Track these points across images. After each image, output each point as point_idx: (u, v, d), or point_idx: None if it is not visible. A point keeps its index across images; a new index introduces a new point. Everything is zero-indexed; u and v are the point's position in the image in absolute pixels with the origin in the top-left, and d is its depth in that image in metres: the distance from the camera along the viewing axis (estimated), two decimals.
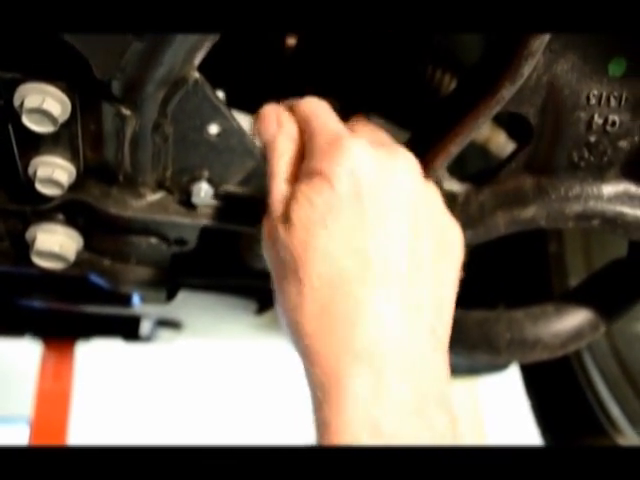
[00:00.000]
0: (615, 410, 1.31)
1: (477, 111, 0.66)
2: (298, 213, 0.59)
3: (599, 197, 0.73)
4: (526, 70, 0.61)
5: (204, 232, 0.79)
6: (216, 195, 0.74)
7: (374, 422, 0.52)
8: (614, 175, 0.73)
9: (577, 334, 0.88)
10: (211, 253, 0.87)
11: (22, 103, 0.60)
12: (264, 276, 0.94)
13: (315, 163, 0.61)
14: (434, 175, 0.71)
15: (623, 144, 0.70)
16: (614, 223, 0.74)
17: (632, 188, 0.73)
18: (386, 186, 0.59)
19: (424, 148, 0.72)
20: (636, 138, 0.69)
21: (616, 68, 0.65)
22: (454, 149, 0.69)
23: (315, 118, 0.66)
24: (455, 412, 0.56)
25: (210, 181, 0.72)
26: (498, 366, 1.51)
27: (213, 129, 0.68)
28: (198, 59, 0.62)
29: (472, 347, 0.90)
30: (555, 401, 1.50)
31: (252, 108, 0.75)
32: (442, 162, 0.71)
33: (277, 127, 0.67)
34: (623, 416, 1.30)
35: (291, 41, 0.87)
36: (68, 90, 0.61)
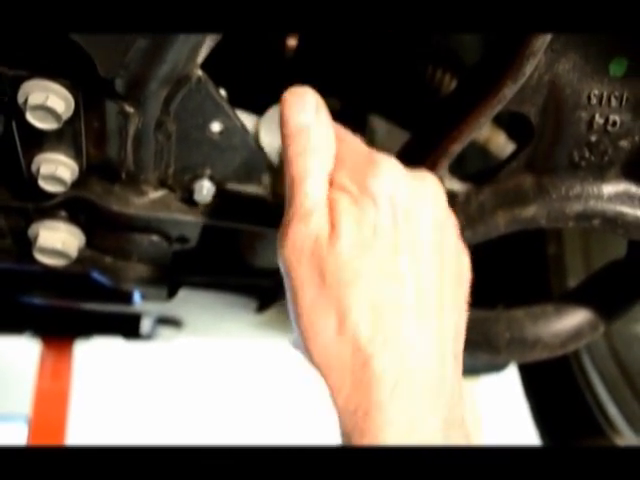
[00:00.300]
0: (613, 411, 1.31)
1: (479, 110, 0.66)
2: (345, 229, 0.57)
3: (599, 197, 0.73)
4: (528, 69, 0.62)
5: (205, 230, 0.79)
6: (218, 193, 0.74)
7: None
8: (615, 175, 0.73)
9: (577, 334, 0.89)
10: (212, 251, 0.87)
11: (26, 100, 0.60)
12: (264, 274, 0.94)
13: (354, 178, 0.59)
14: (435, 175, 0.72)
15: (624, 144, 0.70)
16: (614, 223, 0.74)
17: (632, 188, 0.73)
18: (418, 211, 0.59)
19: (425, 148, 0.72)
20: (637, 138, 0.70)
21: (617, 68, 0.65)
22: (455, 148, 0.70)
23: (340, 129, 0.65)
24: (469, 431, 0.58)
25: (212, 179, 0.72)
26: (496, 366, 1.51)
27: (215, 127, 0.68)
28: (201, 57, 0.62)
29: (472, 346, 0.90)
30: (554, 402, 1.50)
31: (254, 107, 0.76)
32: (443, 161, 0.71)
33: (314, 116, 0.61)
34: (621, 417, 1.31)
35: (292, 41, 0.87)
36: (72, 87, 0.61)
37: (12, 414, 2.30)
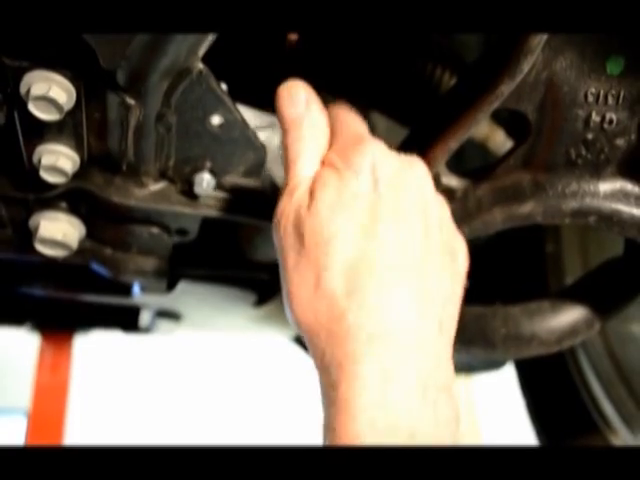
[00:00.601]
0: (609, 409, 1.32)
1: (476, 106, 0.66)
2: (323, 195, 0.60)
3: (595, 194, 0.74)
4: (525, 66, 0.62)
5: (205, 223, 0.80)
6: (218, 186, 0.74)
7: (384, 405, 0.54)
8: (611, 173, 0.73)
9: (572, 330, 0.89)
10: (212, 244, 0.88)
11: (28, 91, 0.60)
12: (263, 268, 0.95)
13: (341, 155, 0.63)
14: (433, 170, 0.72)
15: (620, 142, 0.71)
16: (610, 220, 0.74)
17: (628, 186, 0.74)
18: (402, 185, 0.62)
19: (423, 143, 0.72)
20: (633, 136, 0.70)
21: (614, 66, 0.65)
22: (453, 144, 0.70)
23: (342, 114, 0.69)
24: (456, 396, 0.59)
25: (212, 172, 0.73)
26: (494, 364, 1.52)
27: (215, 120, 0.68)
28: (202, 50, 0.62)
29: (468, 342, 0.90)
30: (550, 400, 1.51)
31: (254, 102, 0.76)
32: (441, 157, 0.72)
33: (305, 108, 0.66)
34: (617, 415, 1.31)
35: (293, 36, 0.88)
36: (74, 79, 0.61)
37: (11, 408, 2.30)
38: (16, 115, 0.64)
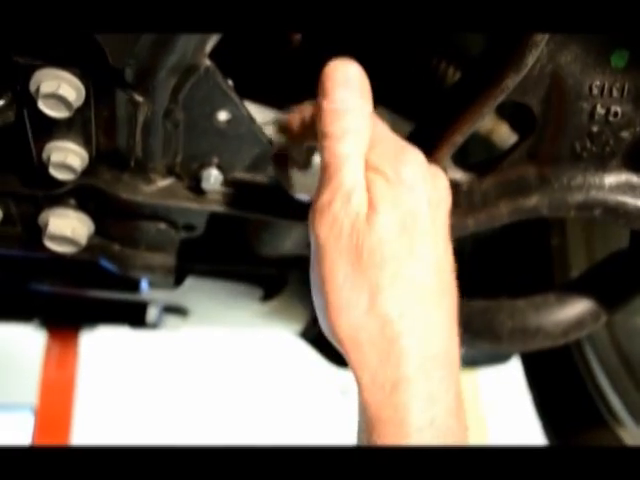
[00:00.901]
0: (616, 402, 1.32)
1: (482, 100, 0.67)
2: (383, 211, 0.59)
3: (601, 187, 0.74)
4: (530, 60, 0.62)
5: (212, 218, 0.80)
6: (225, 182, 0.75)
7: (433, 426, 0.57)
8: (616, 165, 0.74)
9: (578, 323, 0.89)
10: (219, 239, 0.88)
11: (38, 88, 0.60)
12: (270, 264, 0.95)
13: (387, 162, 0.61)
14: (439, 164, 0.73)
15: (625, 134, 0.71)
16: (615, 213, 0.75)
17: (634, 178, 0.74)
18: (436, 202, 0.63)
19: (429, 138, 0.73)
20: (638, 129, 0.70)
21: (618, 59, 0.66)
22: (459, 138, 0.71)
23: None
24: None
25: (219, 168, 0.73)
26: (500, 357, 1.52)
27: (222, 116, 0.69)
28: (209, 47, 0.63)
29: (475, 335, 0.91)
30: (556, 393, 1.51)
31: (258, 98, 0.77)
32: (447, 151, 0.72)
33: (359, 93, 0.62)
34: (624, 408, 1.31)
35: (297, 33, 0.88)
36: (83, 76, 0.62)
37: (18, 404, 2.31)
38: (25, 112, 0.65)
